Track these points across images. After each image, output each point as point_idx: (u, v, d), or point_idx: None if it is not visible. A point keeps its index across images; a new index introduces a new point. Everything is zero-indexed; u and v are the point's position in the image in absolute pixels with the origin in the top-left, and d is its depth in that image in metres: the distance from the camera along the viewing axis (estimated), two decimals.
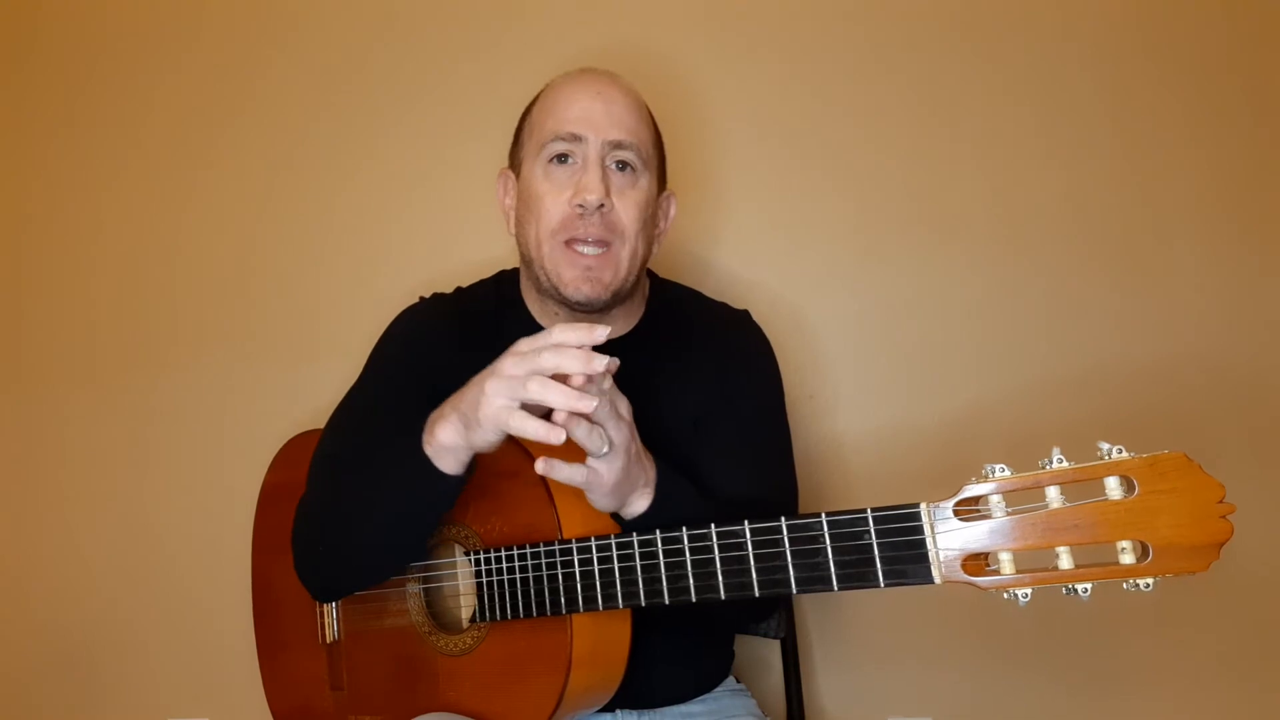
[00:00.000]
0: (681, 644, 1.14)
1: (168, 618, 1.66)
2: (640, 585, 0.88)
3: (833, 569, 0.79)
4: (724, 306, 1.22)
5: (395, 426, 0.95)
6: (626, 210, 1.06)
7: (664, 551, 0.87)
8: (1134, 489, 0.70)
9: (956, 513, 0.75)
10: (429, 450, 0.90)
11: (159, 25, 1.74)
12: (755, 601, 0.85)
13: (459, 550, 1.04)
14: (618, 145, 1.05)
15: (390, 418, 1.05)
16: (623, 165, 1.06)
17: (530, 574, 0.94)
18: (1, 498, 1.74)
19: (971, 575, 0.74)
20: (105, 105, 1.75)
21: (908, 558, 0.76)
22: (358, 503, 0.99)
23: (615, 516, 0.95)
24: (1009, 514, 0.73)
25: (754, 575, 0.83)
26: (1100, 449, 0.71)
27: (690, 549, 0.86)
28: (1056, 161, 1.47)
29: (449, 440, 0.89)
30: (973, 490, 0.74)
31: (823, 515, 0.80)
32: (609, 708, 1.08)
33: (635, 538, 0.89)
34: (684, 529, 0.86)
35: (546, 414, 0.84)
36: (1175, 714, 1.41)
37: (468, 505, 1.00)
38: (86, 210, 1.75)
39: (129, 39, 1.75)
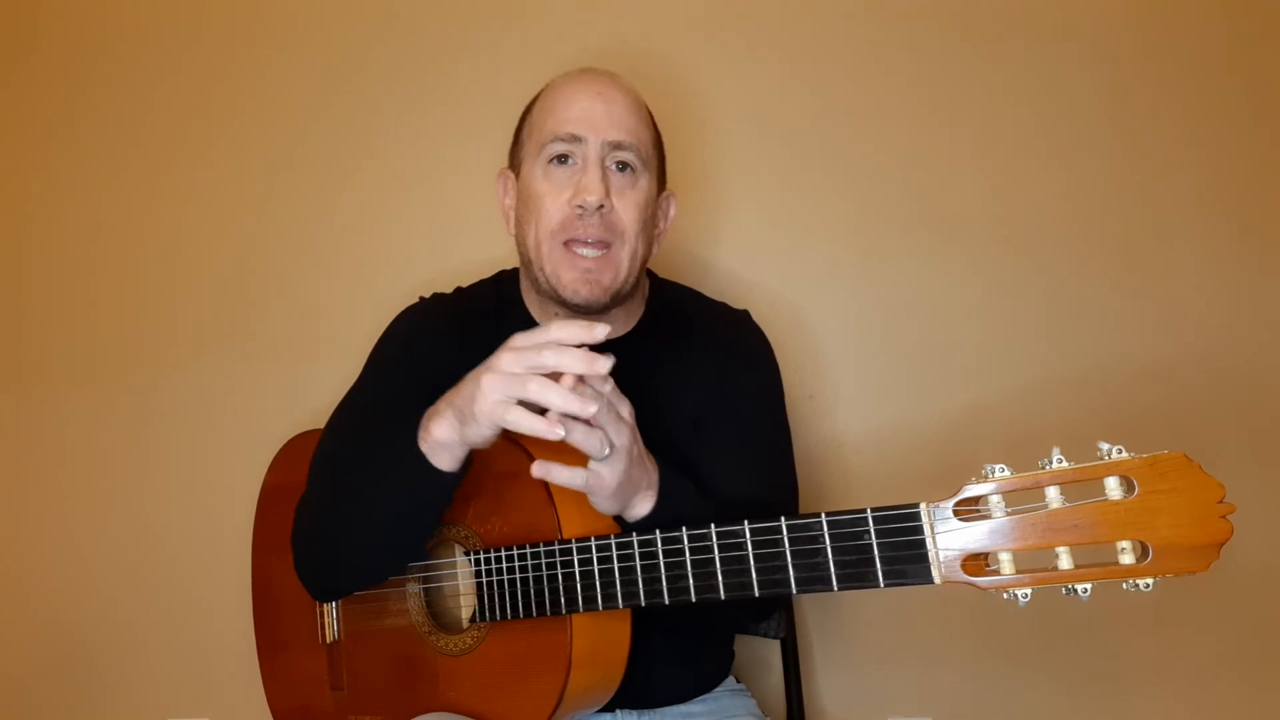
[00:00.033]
0: (681, 644, 1.13)
1: (168, 618, 1.66)
2: (640, 585, 0.88)
3: (832, 569, 0.79)
4: (724, 306, 1.22)
5: (395, 426, 0.95)
6: (626, 211, 1.05)
7: (664, 551, 0.87)
8: (1134, 489, 0.70)
9: (956, 513, 0.75)
10: (424, 447, 0.90)
11: (159, 25, 1.74)
12: (755, 601, 0.85)
13: (459, 550, 1.04)
14: (618, 146, 1.05)
15: (390, 418, 1.04)
16: (623, 166, 1.06)
17: (530, 574, 0.94)
18: (1, 498, 1.74)
19: (971, 575, 0.74)
20: (105, 105, 1.75)
21: (907, 558, 0.76)
22: (356, 502, 0.99)
23: (617, 518, 0.95)
24: (1009, 514, 0.73)
25: (754, 575, 0.83)
26: (1100, 449, 0.71)
27: (690, 549, 0.86)
28: (1056, 161, 1.47)
29: (444, 437, 0.88)
30: (973, 490, 0.74)
31: (822, 515, 0.80)
32: (609, 708, 1.08)
33: (635, 538, 0.89)
34: (684, 529, 0.86)
35: (544, 410, 0.83)
36: (1175, 714, 1.41)
37: (468, 505, 1.01)
38: (86, 210, 1.75)
39: (129, 39, 1.75)
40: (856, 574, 0.78)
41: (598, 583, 0.90)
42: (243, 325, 1.67)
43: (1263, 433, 1.40)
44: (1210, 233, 1.43)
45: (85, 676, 1.68)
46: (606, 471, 0.87)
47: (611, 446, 0.85)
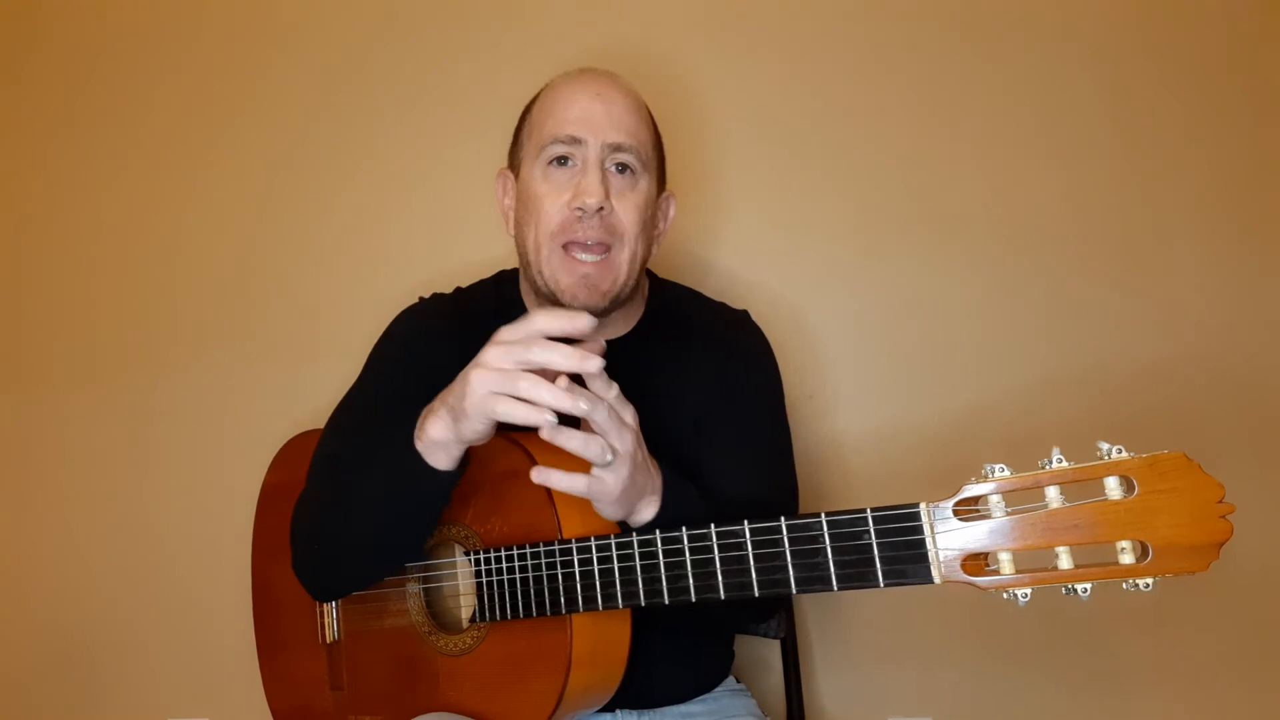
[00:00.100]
0: (681, 644, 1.13)
1: (168, 618, 1.66)
2: (640, 585, 0.88)
3: (832, 569, 0.79)
4: (723, 306, 1.22)
5: (394, 426, 0.95)
6: (626, 213, 1.05)
7: (664, 551, 0.87)
8: (1134, 489, 0.70)
9: (956, 513, 0.75)
10: (420, 446, 0.90)
11: (159, 25, 1.74)
12: (755, 602, 0.85)
13: (459, 550, 1.04)
14: (617, 148, 1.05)
15: (389, 418, 1.04)
16: (622, 167, 1.06)
17: (530, 574, 0.94)
18: (1, 498, 1.74)
19: (971, 575, 0.74)
20: (105, 105, 1.75)
21: (907, 558, 0.76)
22: (355, 502, 0.99)
23: (620, 523, 0.94)
24: (1009, 514, 0.73)
25: (754, 575, 0.83)
26: (1100, 449, 0.71)
27: (690, 549, 0.86)
28: (1056, 161, 1.47)
29: (439, 435, 0.88)
30: (972, 490, 0.74)
31: (822, 515, 0.80)
32: (609, 708, 1.08)
33: (635, 538, 0.89)
34: (684, 529, 0.86)
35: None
36: (1175, 714, 1.41)
37: (467, 505, 1.01)
38: (86, 210, 1.75)
39: (129, 39, 1.75)
40: (856, 574, 0.78)
41: (598, 583, 0.90)
42: (243, 325, 1.67)
43: (1263, 433, 1.40)
44: (1210, 233, 1.43)
45: (85, 676, 1.68)
46: (611, 478, 0.86)
47: (615, 453, 0.84)
